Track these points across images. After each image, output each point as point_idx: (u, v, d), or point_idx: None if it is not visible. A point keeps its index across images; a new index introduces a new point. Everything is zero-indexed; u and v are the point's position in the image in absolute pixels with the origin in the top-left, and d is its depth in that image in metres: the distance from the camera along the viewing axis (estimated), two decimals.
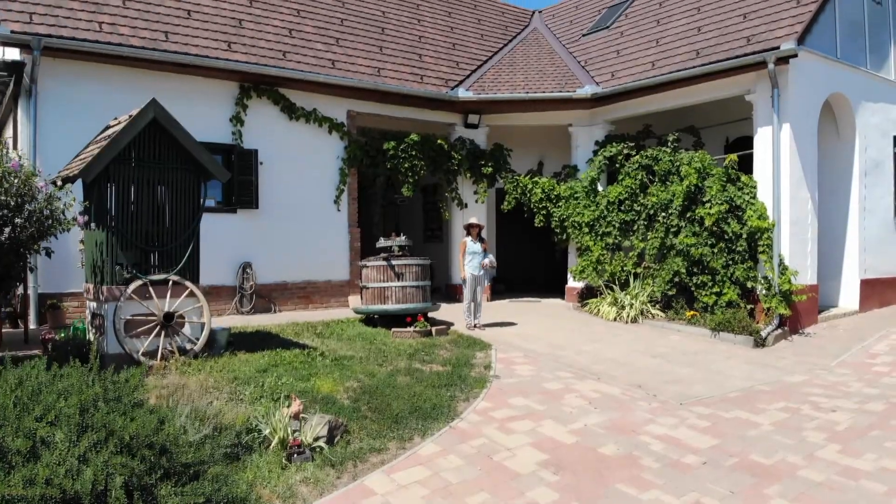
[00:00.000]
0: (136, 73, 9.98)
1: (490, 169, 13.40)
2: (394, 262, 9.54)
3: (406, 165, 12.45)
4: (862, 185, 11.87)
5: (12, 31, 8.83)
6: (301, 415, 5.40)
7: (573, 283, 13.25)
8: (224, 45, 10.69)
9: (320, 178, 11.87)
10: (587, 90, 12.69)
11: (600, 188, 12.98)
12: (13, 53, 9.35)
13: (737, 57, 10.47)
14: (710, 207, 10.55)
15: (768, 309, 10.01)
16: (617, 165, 12.68)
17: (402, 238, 9.99)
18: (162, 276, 6.99)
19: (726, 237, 10.54)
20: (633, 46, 13.34)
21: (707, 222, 10.52)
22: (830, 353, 9.28)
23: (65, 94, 9.49)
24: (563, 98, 12.85)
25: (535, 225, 13.42)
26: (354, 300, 12.00)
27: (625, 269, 12.07)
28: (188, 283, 7.13)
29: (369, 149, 12.30)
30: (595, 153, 13.15)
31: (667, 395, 7.03)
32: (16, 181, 5.84)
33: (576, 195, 12.96)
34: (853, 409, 6.63)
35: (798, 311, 10.33)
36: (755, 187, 10.64)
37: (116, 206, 6.83)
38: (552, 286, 15.07)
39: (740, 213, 10.51)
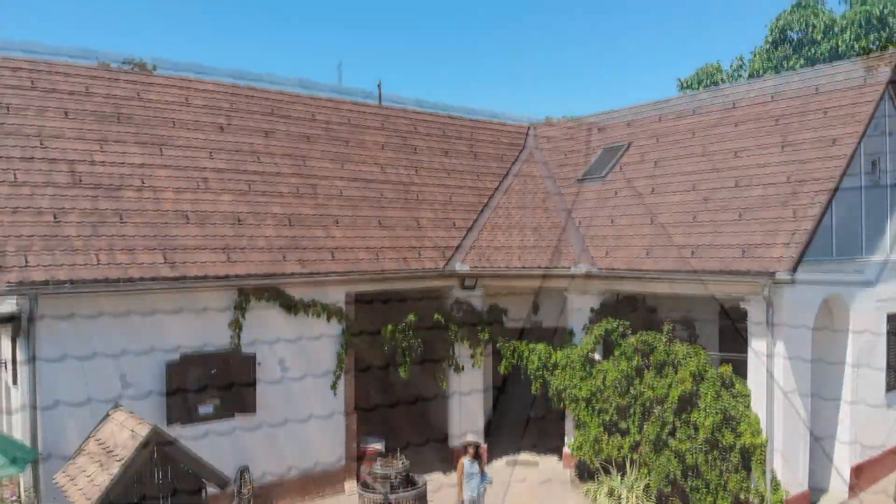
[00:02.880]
0: (135, 297, 10.00)
1: (487, 335, 13.49)
2: (391, 497, 9.63)
3: (404, 345, 12.52)
4: (855, 375, 11.99)
5: (8, 283, 8.76)
6: None
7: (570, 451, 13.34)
8: (223, 257, 10.69)
9: (318, 365, 11.90)
10: (582, 268, 12.78)
11: (597, 356, 13.06)
12: (9, 303, 9.35)
13: (731, 272, 10.58)
14: (705, 418, 10.65)
15: None
16: (613, 337, 12.76)
17: (402, 463, 10.07)
18: None
19: (720, 446, 10.65)
20: (628, 217, 13.39)
21: (702, 433, 10.62)
22: None
23: (63, 328, 9.46)
24: (559, 275, 12.96)
25: (532, 392, 13.51)
26: (350, 486, 12.07)
27: (622, 451, 12.16)
28: None
29: (367, 330, 12.34)
30: (591, 321, 13.23)
31: None
32: None
33: (572, 364, 13.02)
34: None
35: None
36: (749, 396, 10.76)
37: None
38: (552, 429, 15.05)
39: (734, 424, 10.62)
